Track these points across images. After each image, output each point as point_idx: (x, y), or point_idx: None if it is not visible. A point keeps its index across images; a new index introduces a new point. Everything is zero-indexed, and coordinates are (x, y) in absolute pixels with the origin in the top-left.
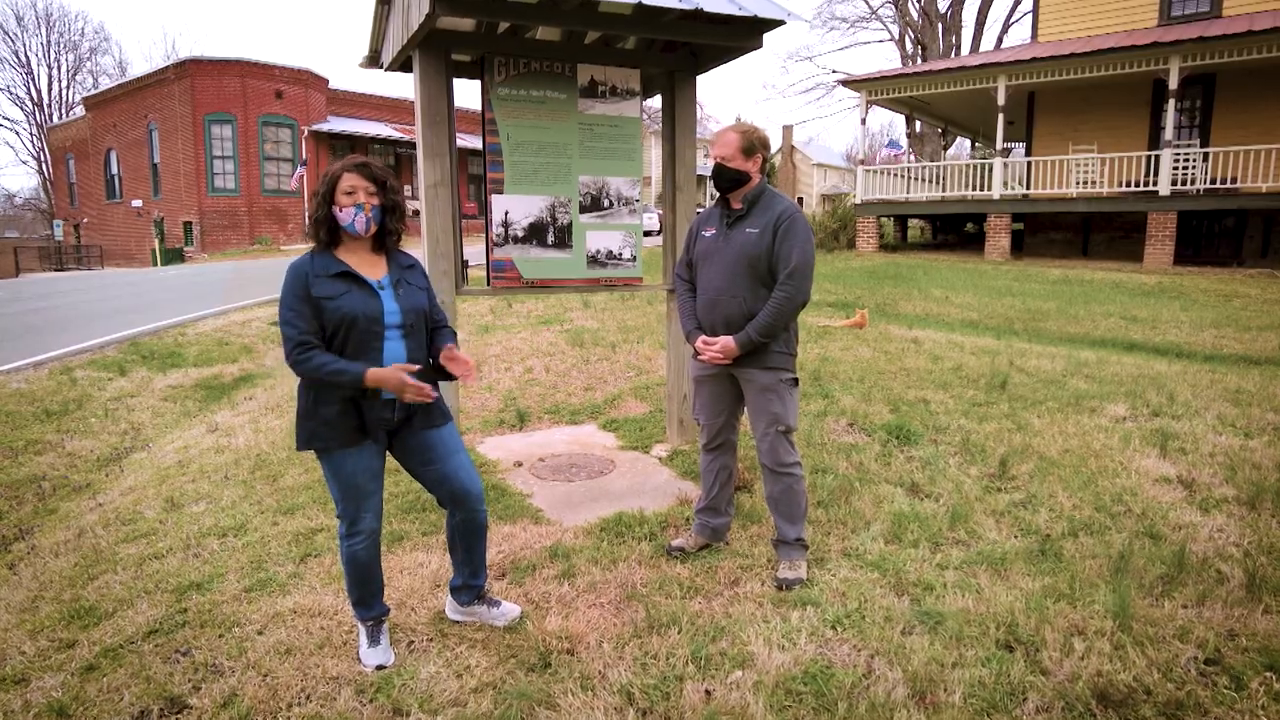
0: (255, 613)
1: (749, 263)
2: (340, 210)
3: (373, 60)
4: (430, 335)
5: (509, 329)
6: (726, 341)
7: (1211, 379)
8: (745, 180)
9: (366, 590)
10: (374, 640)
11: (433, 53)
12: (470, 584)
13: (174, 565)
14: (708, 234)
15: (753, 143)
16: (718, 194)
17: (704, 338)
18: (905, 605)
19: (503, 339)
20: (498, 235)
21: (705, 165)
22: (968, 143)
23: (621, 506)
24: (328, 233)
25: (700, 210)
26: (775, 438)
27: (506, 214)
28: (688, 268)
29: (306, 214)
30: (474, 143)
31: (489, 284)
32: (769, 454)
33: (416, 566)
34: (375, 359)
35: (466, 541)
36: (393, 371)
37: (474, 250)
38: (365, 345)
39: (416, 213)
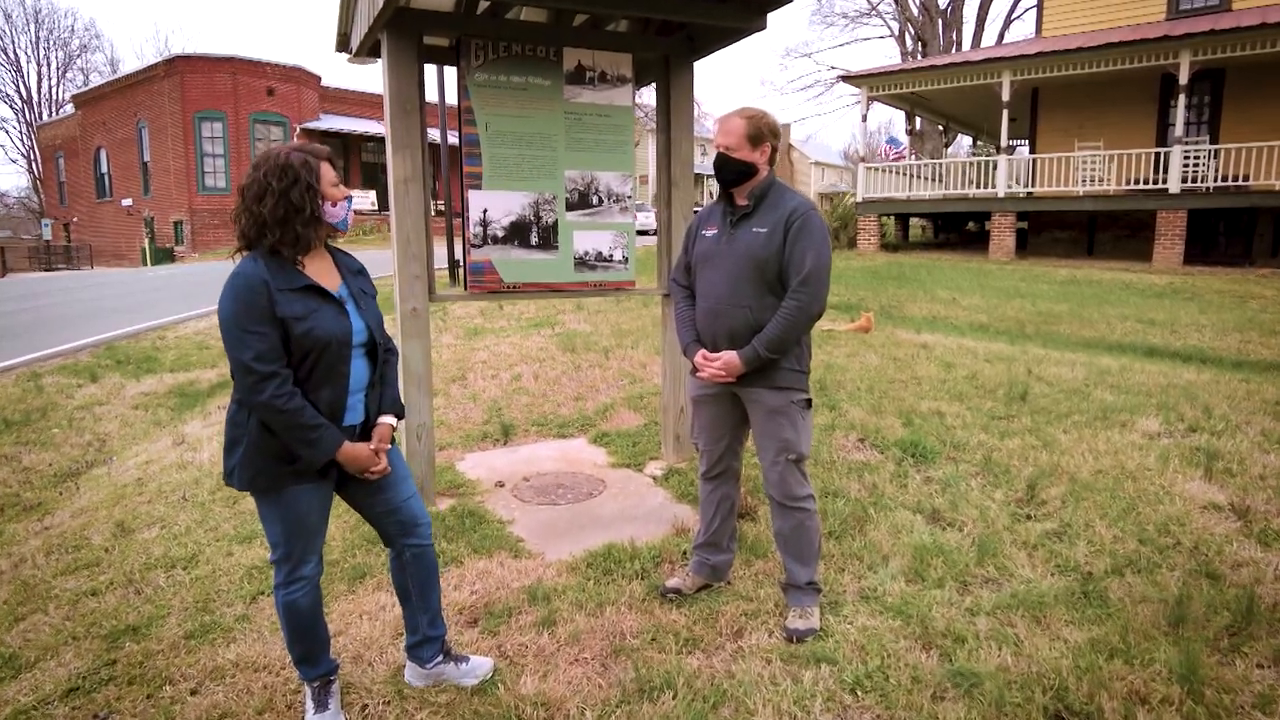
0: (192, 666)
1: (756, 267)
2: (333, 205)
3: (342, 43)
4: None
5: (499, 332)
6: (729, 358)
7: (1247, 389)
8: (752, 173)
9: (310, 644)
10: (321, 705)
11: (402, 35)
12: (430, 636)
13: (112, 604)
14: (708, 234)
15: (760, 129)
16: (720, 188)
17: (703, 353)
18: (934, 662)
19: (491, 343)
20: (475, 235)
21: (702, 164)
22: (966, 141)
23: (611, 536)
24: (300, 237)
25: (699, 208)
26: (785, 467)
27: (485, 212)
28: (686, 272)
29: (252, 216)
30: None
31: (465, 288)
32: (777, 485)
33: (378, 610)
34: (341, 384)
35: (420, 581)
36: (367, 452)
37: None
38: (333, 370)
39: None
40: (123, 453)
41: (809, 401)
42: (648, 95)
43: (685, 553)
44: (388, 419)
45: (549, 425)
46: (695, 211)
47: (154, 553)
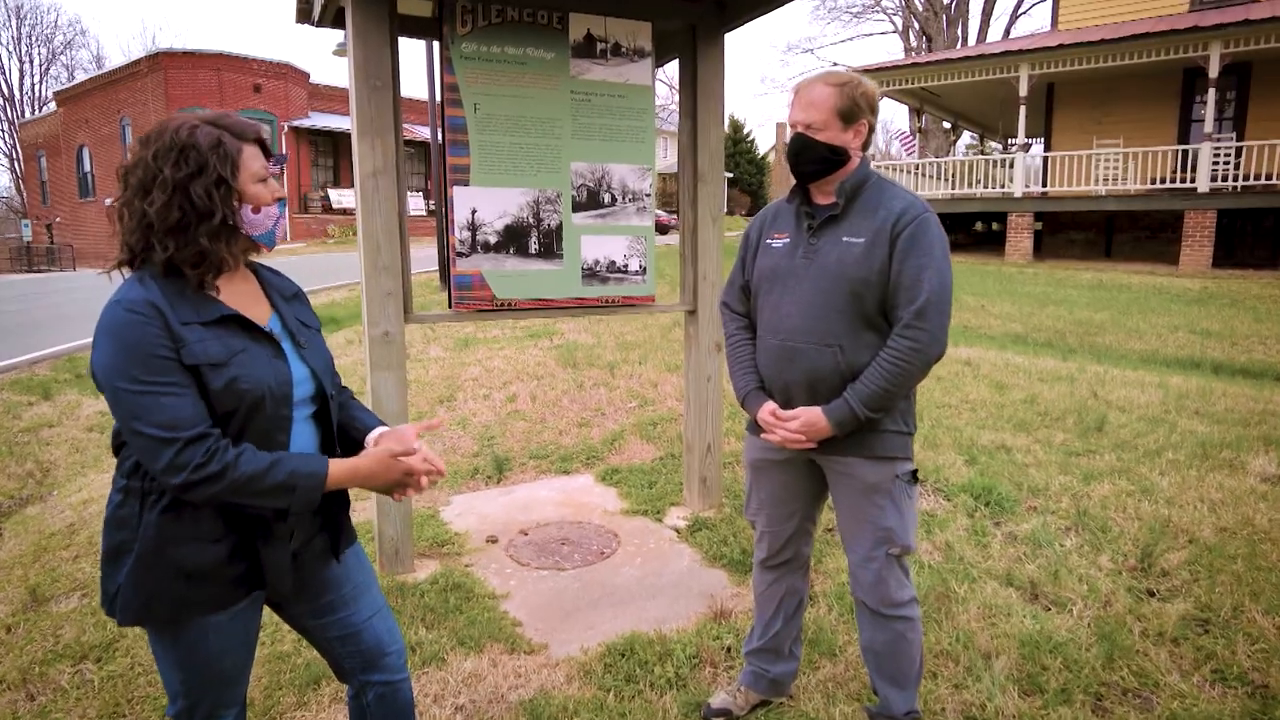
0: None
1: (850, 291)
2: (255, 213)
3: (303, 15)
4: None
5: (492, 343)
6: (812, 417)
7: None
8: (842, 161)
9: None
10: None
11: None
12: None
13: None
14: (777, 244)
15: (855, 102)
16: (796, 182)
17: (773, 408)
18: None
19: (483, 356)
20: (462, 241)
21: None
22: (962, 141)
23: (632, 620)
24: (205, 254)
25: (729, 208)
26: (885, 564)
27: (474, 213)
28: (743, 295)
29: (135, 215)
30: None
31: (450, 305)
32: (872, 588)
33: None
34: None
35: None
36: (383, 457)
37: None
38: (268, 439)
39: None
40: (65, 485)
41: (915, 474)
42: None
43: (730, 650)
44: (382, 428)
45: (549, 458)
46: (720, 213)
47: (64, 635)
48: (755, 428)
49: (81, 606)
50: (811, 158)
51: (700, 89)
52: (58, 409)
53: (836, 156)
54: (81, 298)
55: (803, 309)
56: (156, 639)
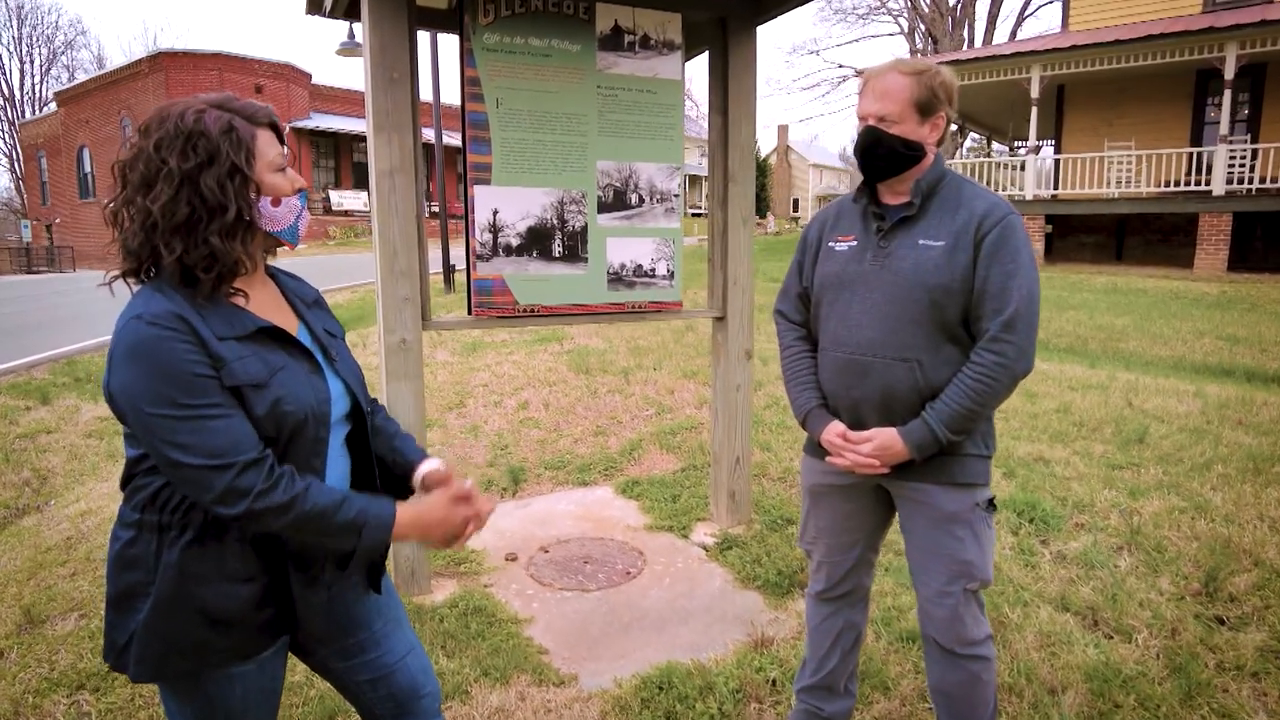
0: None
1: (930, 300)
2: (275, 206)
3: (314, 5)
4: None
5: (500, 348)
6: (887, 439)
7: None
8: (917, 157)
9: None
10: None
11: None
12: None
13: None
14: (842, 247)
15: (934, 93)
16: (864, 179)
17: (841, 429)
18: None
19: (492, 361)
20: (483, 243)
21: (700, 165)
22: (967, 142)
23: (666, 647)
24: (216, 255)
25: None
26: (961, 600)
27: (495, 214)
28: (800, 303)
29: (138, 215)
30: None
31: (470, 311)
32: (946, 626)
33: None
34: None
35: None
36: (446, 503)
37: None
38: (305, 466)
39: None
40: (63, 495)
41: (993, 502)
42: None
43: (775, 682)
44: (430, 462)
45: (566, 468)
46: (742, 211)
47: (60, 661)
48: (815, 449)
49: (78, 629)
50: (884, 153)
51: (731, 84)
52: (56, 414)
53: (911, 152)
54: (81, 299)
55: (876, 319)
56: (171, 694)
